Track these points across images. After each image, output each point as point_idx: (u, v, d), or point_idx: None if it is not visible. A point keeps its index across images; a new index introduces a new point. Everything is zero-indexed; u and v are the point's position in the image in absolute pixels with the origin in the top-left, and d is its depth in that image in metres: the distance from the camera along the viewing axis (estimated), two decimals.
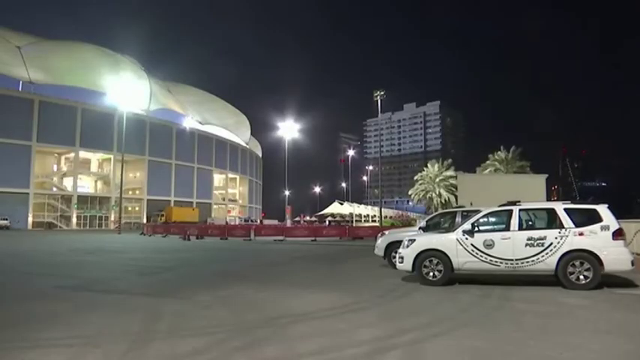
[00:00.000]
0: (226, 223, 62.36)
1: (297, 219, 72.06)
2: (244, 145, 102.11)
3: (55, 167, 72.49)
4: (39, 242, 30.03)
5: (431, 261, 9.68)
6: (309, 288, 9.70)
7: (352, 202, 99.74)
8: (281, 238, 32.24)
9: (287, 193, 59.47)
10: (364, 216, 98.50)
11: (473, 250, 9.40)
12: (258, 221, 75.04)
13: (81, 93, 73.57)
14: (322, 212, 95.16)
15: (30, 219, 63.32)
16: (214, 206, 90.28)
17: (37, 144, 63.61)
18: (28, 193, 63.25)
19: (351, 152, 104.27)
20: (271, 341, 5.49)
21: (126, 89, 60.10)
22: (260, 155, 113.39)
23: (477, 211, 10.22)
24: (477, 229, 9.52)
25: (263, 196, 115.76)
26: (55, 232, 55.83)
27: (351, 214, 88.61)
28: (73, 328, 6.13)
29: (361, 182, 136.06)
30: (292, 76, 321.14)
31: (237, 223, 69.63)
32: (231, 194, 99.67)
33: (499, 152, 67.32)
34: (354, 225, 66.38)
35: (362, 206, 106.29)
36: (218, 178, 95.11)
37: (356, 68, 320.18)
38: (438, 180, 71.94)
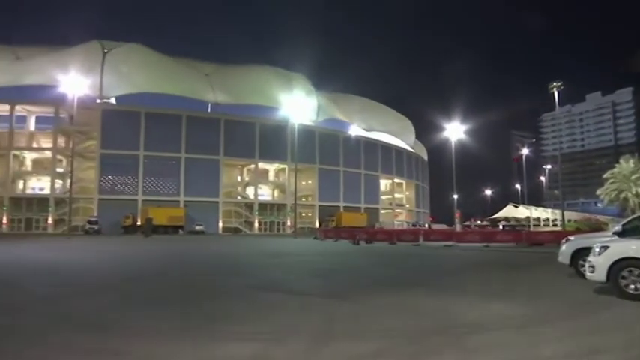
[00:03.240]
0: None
1: (467, 223, 68.96)
2: (409, 149, 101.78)
3: (239, 178, 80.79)
4: (229, 245, 33.81)
5: (630, 271, 8.37)
6: (484, 297, 9.22)
7: (528, 204, 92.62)
8: (450, 243, 31.25)
9: (455, 197, 57.65)
10: (543, 220, 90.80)
11: None
12: (427, 226, 73.90)
13: (257, 109, 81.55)
14: (495, 216, 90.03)
15: (220, 224, 71.56)
16: (382, 211, 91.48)
17: (224, 158, 72.06)
18: (218, 202, 71.70)
19: (525, 151, 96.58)
20: (448, 350, 5.35)
21: (297, 104, 64.90)
22: (425, 159, 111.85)
23: None
24: None
25: (430, 200, 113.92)
26: (240, 236, 62.20)
27: (527, 218, 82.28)
28: (258, 325, 6.70)
29: (538, 183, 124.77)
30: (456, 75, 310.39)
31: (404, 227, 69.49)
32: (397, 199, 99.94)
33: None
34: (531, 229, 61.51)
35: (540, 209, 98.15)
36: (384, 184, 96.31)
37: (527, 59, 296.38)
38: (633, 178, 62.56)
